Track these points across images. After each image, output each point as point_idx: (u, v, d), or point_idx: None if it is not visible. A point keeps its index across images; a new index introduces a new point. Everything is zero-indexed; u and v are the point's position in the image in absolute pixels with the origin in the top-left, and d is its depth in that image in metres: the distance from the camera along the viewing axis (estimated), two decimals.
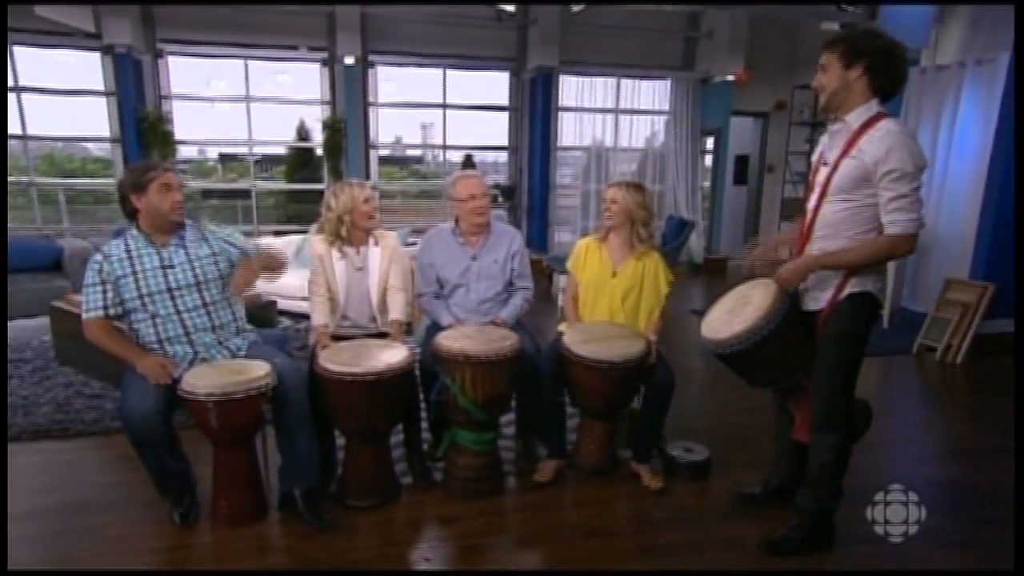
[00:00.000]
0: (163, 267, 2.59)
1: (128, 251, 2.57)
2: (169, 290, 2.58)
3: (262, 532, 2.57)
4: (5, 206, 6.56)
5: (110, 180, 7.61)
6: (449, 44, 8.00)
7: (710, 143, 9.11)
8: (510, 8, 7.44)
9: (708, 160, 9.23)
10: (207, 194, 10.08)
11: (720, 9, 7.76)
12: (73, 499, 2.78)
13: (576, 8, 6.70)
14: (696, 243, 8.76)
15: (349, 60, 7.54)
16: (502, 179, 8.93)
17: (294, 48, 7.66)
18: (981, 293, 4.88)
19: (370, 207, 3.03)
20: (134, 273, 2.55)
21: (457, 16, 7.82)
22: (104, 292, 2.53)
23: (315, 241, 3.08)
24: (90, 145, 9.54)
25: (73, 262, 5.47)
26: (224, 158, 11.07)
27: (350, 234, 3.02)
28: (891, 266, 5.75)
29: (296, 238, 6.20)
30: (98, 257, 2.57)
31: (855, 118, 2.16)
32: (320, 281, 3.03)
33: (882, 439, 3.38)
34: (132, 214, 2.60)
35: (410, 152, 10.41)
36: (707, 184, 9.24)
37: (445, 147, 8.62)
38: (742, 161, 9.68)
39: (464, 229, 3.17)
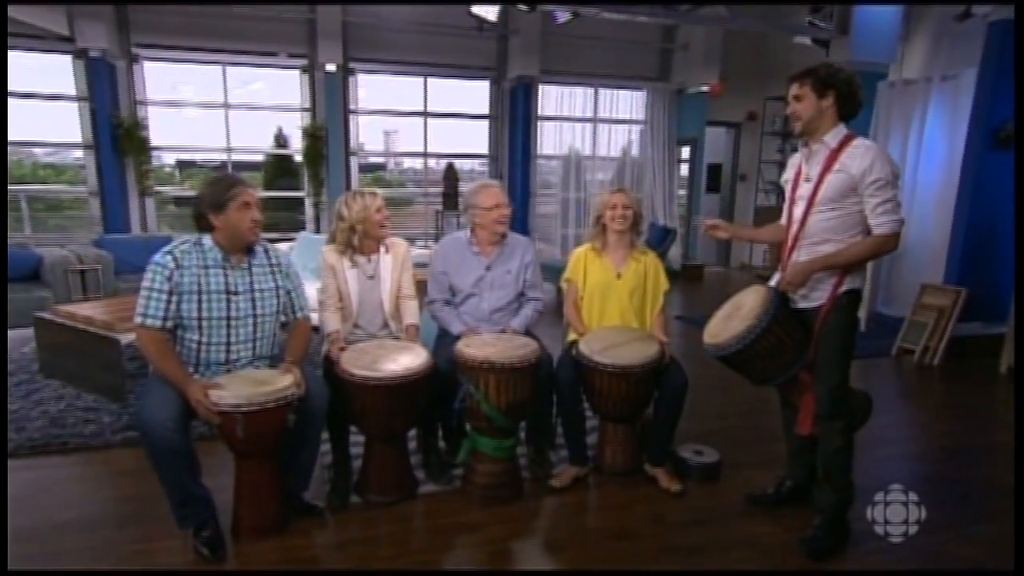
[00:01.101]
0: (227, 292, 2.51)
1: (199, 264, 2.47)
2: (227, 318, 2.51)
3: (286, 544, 2.54)
4: (5, 213, 6.31)
5: (81, 187, 7.40)
6: (430, 53, 8.05)
7: (686, 152, 9.32)
8: (491, 17, 7.50)
9: (684, 169, 9.43)
10: (179, 201, 9.87)
11: (695, 23, 7.95)
12: (86, 515, 2.71)
13: (562, 19, 6.78)
14: (674, 250, 8.94)
15: (330, 67, 7.51)
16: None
17: (273, 55, 7.59)
18: (955, 297, 5.11)
19: (382, 216, 3.04)
20: (199, 293, 2.46)
21: (438, 25, 7.87)
22: (168, 302, 2.42)
23: (326, 251, 3.08)
24: (38, 151, 9.25)
25: (54, 272, 5.28)
26: (182, 164, 10.85)
27: (362, 243, 3.03)
28: (867, 274, 5.98)
29: (283, 247, 6.10)
30: (168, 261, 2.43)
31: (832, 138, 2.42)
32: (332, 291, 3.04)
33: (875, 438, 3.52)
34: (207, 229, 2.52)
35: (384, 159, 10.35)
36: (682, 192, 9.44)
37: (426, 155, 8.63)
38: (714, 170, 9.93)
39: (482, 238, 3.20)
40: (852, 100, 2.43)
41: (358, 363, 2.70)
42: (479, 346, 2.79)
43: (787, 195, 2.64)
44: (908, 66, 6.75)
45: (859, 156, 2.34)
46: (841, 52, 6.83)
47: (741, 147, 9.65)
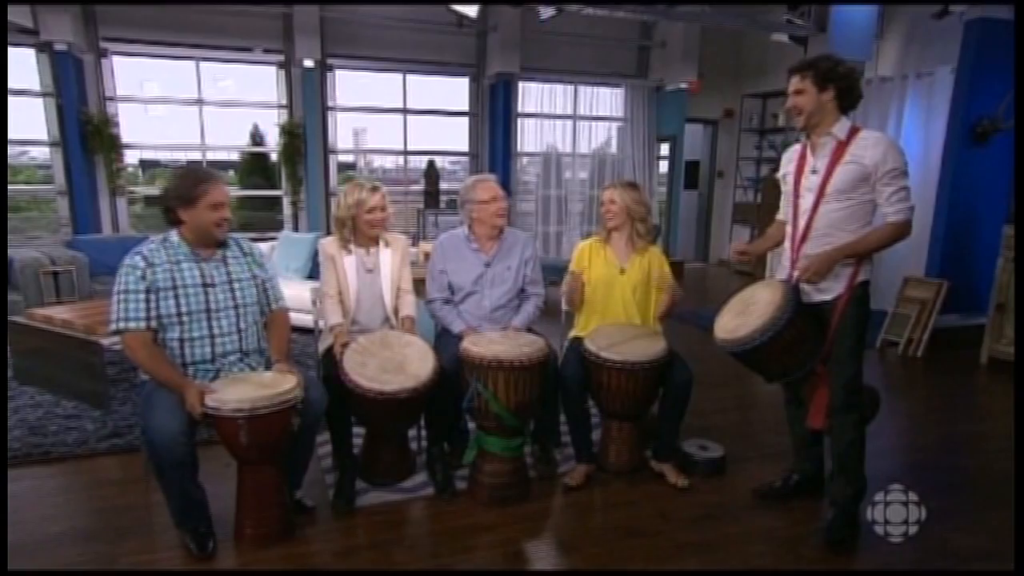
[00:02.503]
0: (204, 284, 2.43)
1: (169, 260, 2.40)
2: (207, 311, 2.43)
3: (293, 551, 2.45)
4: (5, 211, 6.02)
5: (42, 187, 7.11)
6: (409, 49, 7.93)
7: (665, 149, 9.36)
8: (472, 13, 7.44)
9: (663, 166, 9.48)
10: (149, 201, 9.58)
11: (674, 19, 7.99)
12: (79, 528, 2.58)
13: (545, 15, 6.74)
14: None
15: (308, 63, 7.35)
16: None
17: (248, 50, 7.40)
18: (937, 290, 5.22)
19: (373, 216, 2.92)
20: (175, 288, 2.38)
21: (417, 21, 7.77)
22: (147, 301, 2.34)
23: (326, 242, 3.01)
24: None
25: (26, 274, 5.06)
26: (145, 164, 10.58)
27: (355, 236, 2.96)
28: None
29: (264, 246, 5.95)
30: (138, 262, 2.36)
31: (840, 130, 2.42)
32: (332, 283, 2.96)
33: (875, 429, 3.45)
34: (175, 223, 2.44)
35: (354, 158, 10.16)
36: (662, 189, 9.49)
37: (406, 152, 8.53)
38: (692, 167, 10.00)
39: (481, 234, 3.15)
40: (852, 93, 2.44)
41: (365, 371, 2.62)
42: (487, 344, 2.73)
43: (789, 188, 2.62)
44: (883, 64, 6.89)
45: (871, 147, 2.36)
46: (819, 50, 6.92)
47: (718, 144, 9.73)
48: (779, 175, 2.73)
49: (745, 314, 2.58)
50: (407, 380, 2.61)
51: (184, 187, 2.39)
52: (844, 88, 2.41)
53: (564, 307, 3.37)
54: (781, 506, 2.81)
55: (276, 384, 2.39)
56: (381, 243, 3.03)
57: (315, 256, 5.66)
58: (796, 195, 2.58)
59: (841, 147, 2.41)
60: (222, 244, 2.53)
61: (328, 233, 7.14)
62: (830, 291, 2.50)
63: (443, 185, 8.18)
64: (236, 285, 2.52)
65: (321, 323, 3.08)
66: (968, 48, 5.22)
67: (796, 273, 2.53)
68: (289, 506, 2.58)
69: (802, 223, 2.53)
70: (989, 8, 5.05)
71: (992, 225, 5.16)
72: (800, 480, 2.86)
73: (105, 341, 3.65)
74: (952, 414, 4.06)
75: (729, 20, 7.46)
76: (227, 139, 8.03)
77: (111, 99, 7.02)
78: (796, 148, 2.62)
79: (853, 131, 2.42)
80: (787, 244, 2.65)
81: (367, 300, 3.00)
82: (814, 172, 2.49)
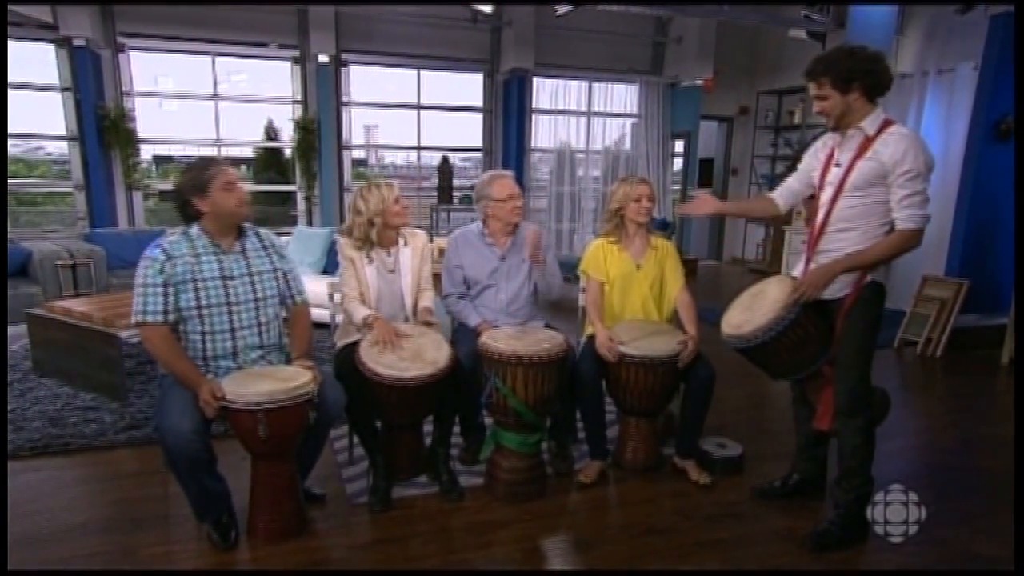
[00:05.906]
0: (223, 277, 2.43)
1: (190, 253, 2.40)
2: (228, 304, 2.43)
3: (308, 546, 2.45)
4: (5, 208, 6.09)
5: (58, 181, 7.17)
6: (424, 44, 7.93)
7: (679, 146, 9.30)
8: (487, 9, 7.42)
9: (677, 163, 9.42)
10: (164, 195, 9.64)
11: (691, 15, 7.93)
12: (97, 519, 2.60)
13: (562, 11, 6.71)
14: None
15: (323, 58, 7.36)
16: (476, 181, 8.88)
17: (264, 45, 7.42)
18: (957, 289, 5.15)
19: (400, 206, 2.95)
20: (195, 281, 2.38)
21: (432, 17, 7.76)
22: (166, 295, 2.34)
23: (344, 244, 2.98)
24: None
25: (44, 267, 5.10)
26: (158, 159, 10.66)
27: (380, 236, 2.94)
28: None
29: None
30: (157, 255, 2.36)
31: (870, 124, 2.32)
32: (353, 284, 2.94)
33: (892, 429, 3.48)
34: (195, 217, 2.43)
35: (366, 154, 10.16)
36: (676, 187, 9.44)
37: (419, 148, 8.52)
38: (706, 164, 9.93)
39: (495, 229, 3.13)
40: (879, 82, 2.32)
41: (382, 360, 2.62)
42: (505, 340, 2.72)
43: (813, 180, 2.56)
44: (903, 60, 6.80)
45: (893, 143, 2.25)
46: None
47: (733, 141, 9.66)
48: (804, 157, 2.62)
49: (752, 310, 2.55)
50: (425, 367, 2.61)
51: (193, 178, 2.40)
52: (869, 82, 2.28)
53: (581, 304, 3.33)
54: (800, 506, 2.77)
55: (292, 378, 2.39)
56: (400, 241, 3.02)
57: (330, 251, 5.71)
58: (820, 188, 2.51)
59: (868, 142, 2.31)
60: (242, 234, 2.53)
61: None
62: (838, 290, 2.43)
63: (456, 181, 8.17)
64: (256, 278, 2.52)
65: (338, 318, 3.07)
66: (993, 44, 5.14)
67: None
68: (303, 502, 2.58)
69: (820, 216, 2.47)
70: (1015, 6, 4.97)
71: (1015, 224, 5.08)
72: (800, 480, 2.81)
73: (123, 334, 3.67)
74: (971, 415, 4.01)
75: (746, 16, 7.40)
76: (242, 134, 8.05)
77: (127, 94, 7.06)
78: (828, 138, 2.52)
79: (885, 125, 2.30)
80: (806, 237, 2.60)
81: (387, 300, 2.99)
82: (837, 165, 2.42)
